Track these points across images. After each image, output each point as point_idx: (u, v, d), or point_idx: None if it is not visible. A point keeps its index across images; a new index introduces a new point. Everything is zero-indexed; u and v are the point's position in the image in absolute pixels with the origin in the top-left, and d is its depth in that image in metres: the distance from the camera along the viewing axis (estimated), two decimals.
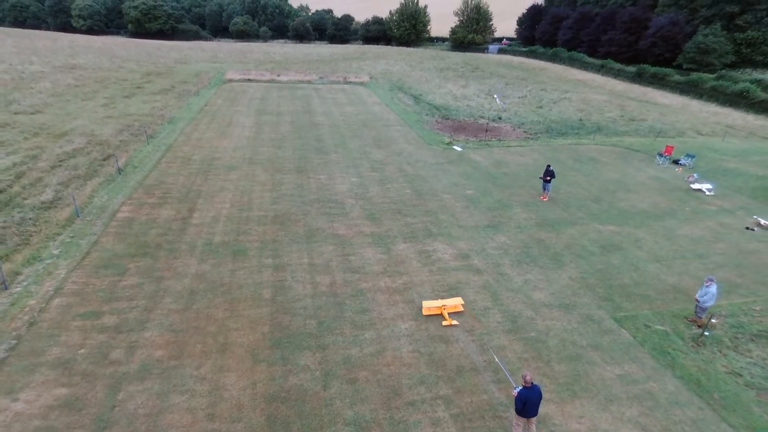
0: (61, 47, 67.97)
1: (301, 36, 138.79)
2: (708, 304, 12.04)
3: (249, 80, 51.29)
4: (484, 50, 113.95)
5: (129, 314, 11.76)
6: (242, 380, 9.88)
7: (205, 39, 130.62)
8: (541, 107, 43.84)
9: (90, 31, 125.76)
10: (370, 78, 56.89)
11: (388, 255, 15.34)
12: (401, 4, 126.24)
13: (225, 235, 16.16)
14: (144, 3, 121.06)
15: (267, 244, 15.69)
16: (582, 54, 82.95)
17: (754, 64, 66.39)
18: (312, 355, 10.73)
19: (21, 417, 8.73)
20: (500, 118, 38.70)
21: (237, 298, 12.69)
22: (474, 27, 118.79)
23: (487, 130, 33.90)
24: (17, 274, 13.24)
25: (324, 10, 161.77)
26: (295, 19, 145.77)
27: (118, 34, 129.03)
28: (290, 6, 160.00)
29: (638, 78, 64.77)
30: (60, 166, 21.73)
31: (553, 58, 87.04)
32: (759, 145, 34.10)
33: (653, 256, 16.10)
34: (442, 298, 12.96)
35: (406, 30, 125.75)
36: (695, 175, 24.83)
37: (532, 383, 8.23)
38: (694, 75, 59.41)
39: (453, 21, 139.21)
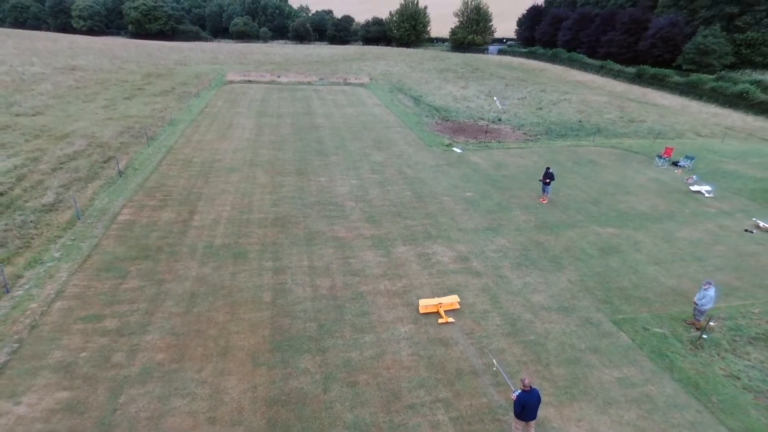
0: (62, 48, 68.07)
1: (301, 37, 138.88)
2: (706, 307, 12.09)
3: (249, 81, 51.37)
4: (484, 51, 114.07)
5: (130, 317, 11.82)
6: (243, 383, 9.94)
7: (206, 40, 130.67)
8: (540, 109, 43.90)
9: (90, 31, 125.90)
10: (370, 79, 56.97)
11: (388, 258, 15.40)
12: (401, 4, 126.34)
13: (225, 237, 16.22)
14: (144, 4, 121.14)
15: (267, 246, 15.75)
16: (582, 55, 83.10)
17: (754, 65, 66.49)
18: (312, 358, 10.79)
19: (23, 420, 8.80)
20: (500, 120, 38.78)
21: (237, 301, 12.75)
22: (474, 28, 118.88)
23: (486, 132, 33.97)
24: (19, 277, 13.31)
25: (324, 11, 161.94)
26: (295, 20, 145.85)
27: (118, 34, 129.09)
28: (290, 7, 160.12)
29: (638, 79, 64.87)
30: (61, 168, 21.80)
31: (553, 59, 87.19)
32: (758, 147, 34.15)
33: (652, 258, 16.16)
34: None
35: (406, 31, 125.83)
36: (694, 176, 24.89)
37: (530, 387, 8.30)
38: (694, 76, 59.49)
39: (453, 22, 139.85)
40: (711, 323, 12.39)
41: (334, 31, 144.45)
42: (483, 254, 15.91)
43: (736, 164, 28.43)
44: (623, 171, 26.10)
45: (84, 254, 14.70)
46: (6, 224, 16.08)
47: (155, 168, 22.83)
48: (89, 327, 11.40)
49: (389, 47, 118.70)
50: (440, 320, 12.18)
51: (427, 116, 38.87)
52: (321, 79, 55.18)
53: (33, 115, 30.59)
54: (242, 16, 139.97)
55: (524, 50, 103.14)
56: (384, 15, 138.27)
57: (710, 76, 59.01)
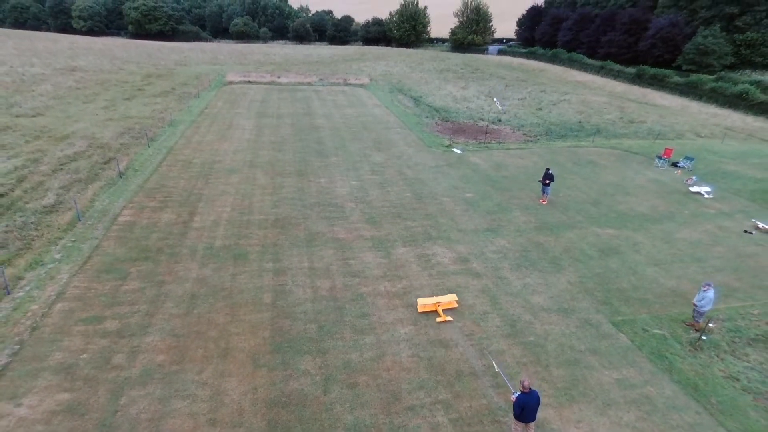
0: (62, 49, 68.10)
1: (301, 37, 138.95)
2: (705, 309, 12.12)
3: (249, 82, 51.40)
4: (484, 51, 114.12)
5: (131, 319, 11.85)
6: (243, 385, 9.97)
7: (206, 40, 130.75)
8: (540, 109, 43.94)
9: (90, 32, 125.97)
10: (370, 80, 57.00)
11: (388, 259, 15.43)
12: (401, 5, 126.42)
13: (226, 239, 16.25)
14: (144, 4, 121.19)
15: (268, 248, 15.78)
16: (582, 55, 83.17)
17: (754, 66, 66.54)
18: (312, 359, 10.82)
19: (24, 422, 8.82)
20: (500, 121, 38.81)
21: (238, 302, 12.78)
22: (474, 28, 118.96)
23: (486, 133, 34.00)
24: (20, 278, 13.34)
25: (324, 11, 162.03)
26: (295, 20, 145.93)
27: (118, 35, 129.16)
28: (290, 7, 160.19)
29: (638, 79, 64.92)
30: (61, 169, 21.83)
31: (553, 60, 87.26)
32: (758, 147, 34.18)
33: (652, 259, 16.19)
34: None
35: (406, 31, 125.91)
36: (694, 177, 24.92)
37: (530, 388, 8.32)
38: (694, 76, 59.53)
39: (453, 22, 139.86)
40: (710, 324, 12.42)
41: (334, 31, 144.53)
42: (483, 255, 15.94)
43: (736, 165, 28.45)
44: (623, 172, 26.12)
45: (84, 255, 14.73)
46: (6, 226, 16.10)
47: (155, 169, 22.86)
48: (90, 328, 11.43)
49: (389, 47, 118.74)
50: (438, 319, 12.26)
51: (427, 117, 38.90)
52: (321, 79, 55.22)
53: (33, 116, 30.62)
54: (242, 16, 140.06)
55: (524, 50, 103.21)
56: (384, 15, 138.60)
57: (710, 77, 59.07)
